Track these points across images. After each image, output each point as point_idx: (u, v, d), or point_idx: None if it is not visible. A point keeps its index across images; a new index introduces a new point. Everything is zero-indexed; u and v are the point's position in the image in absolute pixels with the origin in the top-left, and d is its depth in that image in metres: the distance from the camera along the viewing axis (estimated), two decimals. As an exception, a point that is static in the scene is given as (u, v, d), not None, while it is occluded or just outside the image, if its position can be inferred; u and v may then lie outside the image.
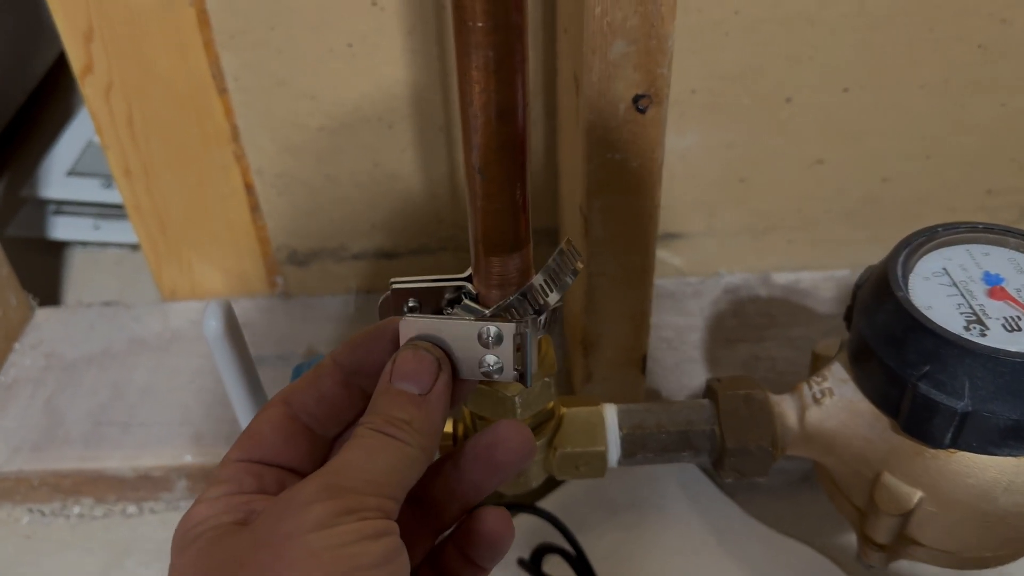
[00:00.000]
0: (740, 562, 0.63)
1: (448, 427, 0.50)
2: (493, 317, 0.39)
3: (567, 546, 0.60)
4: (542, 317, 0.42)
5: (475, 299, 0.42)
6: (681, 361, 0.73)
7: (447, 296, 0.43)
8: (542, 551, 0.61)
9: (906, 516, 0.46)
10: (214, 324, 0.41)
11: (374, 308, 0.91)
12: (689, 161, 0.73)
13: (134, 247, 0.92)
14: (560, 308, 0.43)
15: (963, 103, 0.71)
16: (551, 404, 0.48)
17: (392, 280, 0.43)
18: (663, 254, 0.79)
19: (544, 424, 0.48)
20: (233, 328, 0.42)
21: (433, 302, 0.43)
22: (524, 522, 0.65)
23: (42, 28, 1.02)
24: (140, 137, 0.71)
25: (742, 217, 0.77)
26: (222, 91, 0.68)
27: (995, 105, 0.71)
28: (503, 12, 0.32)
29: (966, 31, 0.67)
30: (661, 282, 0.80)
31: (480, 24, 0.32)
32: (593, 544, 0.62)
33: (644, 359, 0.63)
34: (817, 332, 0.75)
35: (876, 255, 0.82)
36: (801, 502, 0.69)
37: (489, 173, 0.37)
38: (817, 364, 0.52)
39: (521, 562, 0.61)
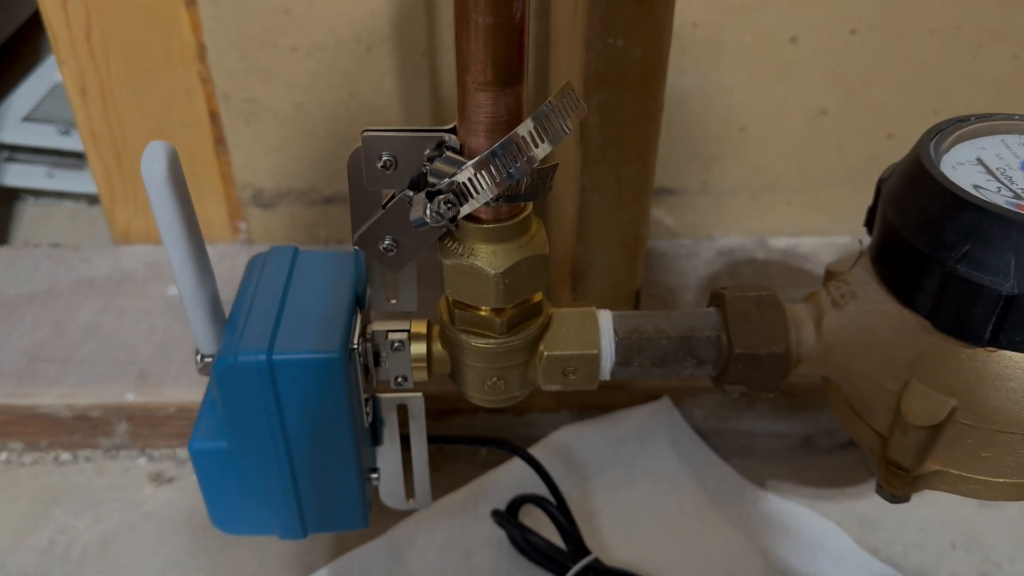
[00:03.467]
0: (733, 525, 0.57)
1: (422, 327, 0.44)
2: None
3: (547, 496, 0.54)
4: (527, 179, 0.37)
5: (459, 152, 0.37)
6: (673, 316, 0.68)
7: (427, 152, 0.38)
8: (519, 501, 0.55)
9: (936, 431, 0.40)
10: (157, 166, 0.35)
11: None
12: (687, 106, 0.69)
13: (90, 199, 0.86)
14: (553, 171, 0.38)
15: (975, 53, 0.68)
16: (539, 297, 0.42)
17: (365, 129, 0.38)
18: (654, 212, 0.74)
19: (529, 321, 0.42)
20: (177, 175, 0.36)
21: (412, 157, 0.38)
22: (502, 475, 0.59)
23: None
24: (99, 52, 0.65)
25: (740, 173, 0.73)
26: (190, 2, 0.63)
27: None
28: None
29: (982, -31, 0.64)
30: (651, 242, 0.75)
31: None
32: (576, 505, 0.56)
33: (638, 295, 0.58)
34: (818, 292, 0.70)
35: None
36: (801, 467, 0.64)
37: (483, -27, 0.32)
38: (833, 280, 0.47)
39: (496, 513, 0.55)
